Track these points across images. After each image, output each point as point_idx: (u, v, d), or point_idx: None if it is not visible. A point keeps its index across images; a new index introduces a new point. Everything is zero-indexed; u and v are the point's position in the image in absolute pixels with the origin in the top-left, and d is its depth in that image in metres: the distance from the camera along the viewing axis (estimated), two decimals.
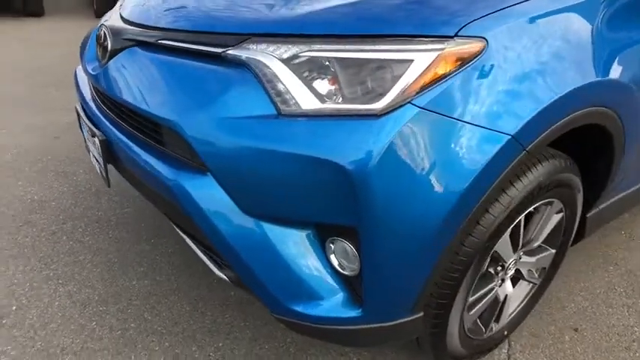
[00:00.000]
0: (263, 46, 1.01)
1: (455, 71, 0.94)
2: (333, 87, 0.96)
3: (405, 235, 0.97)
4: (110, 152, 1.28)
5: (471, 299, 1.28)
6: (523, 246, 1.37)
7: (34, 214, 2.05)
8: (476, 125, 0.95)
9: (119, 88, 1.20)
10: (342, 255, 1.03)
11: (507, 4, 1.00)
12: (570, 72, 1.04)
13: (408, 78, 0.92)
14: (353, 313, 1.05)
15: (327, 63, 0.96)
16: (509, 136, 0.98)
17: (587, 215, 1.58)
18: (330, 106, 0.95)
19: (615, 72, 1.17)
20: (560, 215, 1.42)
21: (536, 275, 1.56)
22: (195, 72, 1.08)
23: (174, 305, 1.59)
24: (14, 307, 1.54)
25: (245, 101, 1.00)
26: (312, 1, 1.05)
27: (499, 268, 1.35)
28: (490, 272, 1.36)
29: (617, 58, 1.18)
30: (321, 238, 1.04)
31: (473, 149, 0.96)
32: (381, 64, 0.93)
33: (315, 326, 1.07)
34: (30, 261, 1.76)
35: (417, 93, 0.92)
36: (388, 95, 0.92)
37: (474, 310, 1.33)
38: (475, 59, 0.95)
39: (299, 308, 1.06)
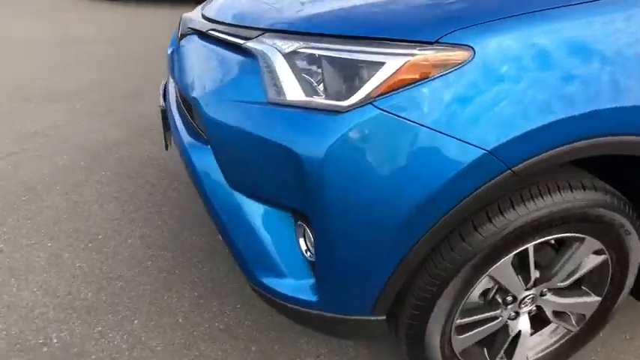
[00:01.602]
0: (275, 40, 1.10)
1: (430, 77, 0.91)
2: (319, 82, 1.01)
3: (355, 231, 0.98)
4: (166, 121, 1.52)
5: (460, 321, 1.20)
6: (541, 281, 1.23)
7: (146, 168, 2.48)
8: (445, 134, 0.91)
9: (175, 67, 1.42)
10: (308, 239, 1.09)
11: (508, 14, 0.92)
12: (573, 96, 0.92)
13: (377, 80, 0.93)
14: (311, 297, 1.10)
15: (318, 60, 1.01)
16: (485, 151, 0.91)
17: None
18: (307, 99, 1.00)
19: None
20: (601, 258, 1.23)
21: (573, 321, 1.37)
22: (224, 59, 1.23)
23: (216, 264, 1.80)
24: (100, 236, 1.92)
25: (248, 87, 1.11)
26: (322, 3, 1.11)
27: (509, 299, 1.24)
28: (497, 300, 1.26)
29: None
30: (295, 220, 1.11)
31: (439, 158, 0.92)
32: (358, 65, 0.96)
33: (279, 302, 1.15)
34: (126, 204, 2.15)
35: (381, 95, 0.92)
36: (356, 95, 0.94)
37: (467, 334, 1.25)
38: (456, 67, 0.91)
39: (267, 282, 1.14)
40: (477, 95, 0.91)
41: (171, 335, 1.51)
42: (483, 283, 1.25)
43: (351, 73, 0.96)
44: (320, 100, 0.99)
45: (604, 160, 1.12)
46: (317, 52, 1.01)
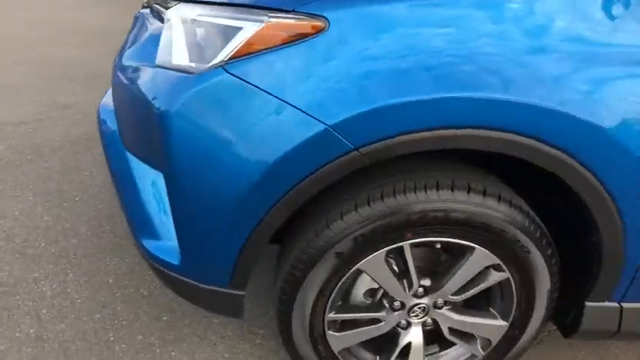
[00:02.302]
0: (183, 8, 1.15)
1: (281, 45, 0.91)
2: (201, 47, 1.04)
3: (201, 195, 0.99)
4: None
5: (335, 315, 1.15)
6: (433, 290, 1.14)
7: None
8: (289, 104, 0.90)
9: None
10: None
11: None
12: (424, 79, 0.86)
13: (233, 44, 0.94)
14: (174, 260, 1.11)
15: (206, 26, 1.05)
16: (326, 126, 0.89)
17: (586, 303, 1.19)
18: (189, 64, 1.04)
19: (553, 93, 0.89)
20: (500, 275, 1.12)
21: (478, 345, 1.25)
22: (149, 28, 1.31)
23: None
24: (77, 199, 2.07)
25: (151, 52, 1.17)
26: None
27: (397, 304, 1.16)
28: (383, 302, 1.19)
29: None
30: None
31: (279, 127, 0.91)
32: (224, 29, 0.98)
33: (150, 262, 1.17)
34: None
35: (234, 59, 0.93)
36: (217, 58, 0.96)
37: (347, 333, 1.19)
38: (309, 37, 0.90)
39: (145, 243, 1.17)
40: (325, 67, 0.90)
41: (95, 292, 1.58)
42: (367, 282, 1.19)
43: (219, 38, 0.98)
44: (194, 64, 1.02)
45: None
46: (206, 19, 1.05)
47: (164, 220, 1.13)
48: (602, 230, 1.07)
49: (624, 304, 1.22)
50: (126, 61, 1.19)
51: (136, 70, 1.11)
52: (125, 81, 1.13)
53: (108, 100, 1.36)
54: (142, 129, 1.06)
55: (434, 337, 1.31)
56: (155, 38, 1.20)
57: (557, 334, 1.55)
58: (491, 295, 1.22)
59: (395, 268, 1.16)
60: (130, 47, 1.31)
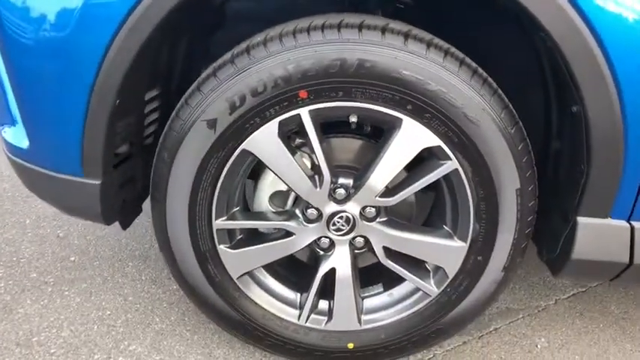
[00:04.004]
0: None
1: None
2: None
3: (27, 39, 0.77)
4: None
5: (224, 222, 0.87)
6: (356, 189, 0.84)
7: None
8: None
9: None
10: None
11: None
12: None
13: None
14: (23, 144, 0.88)
15: None
16: None
17: (578, 219, 0.86)
18: None
19: None
20: (447, 165, 0.81)
21: (432, 280, 0.93)
22: None
23: None
24: None
25: None
26: None
27: (312, 212, 0.87)
28: (294, 211, 0.90)
29: None
30: None
31: None
32: None
33: (7, 155, 0.95)
34: None
35: None
36: None
37: (245, 249, 0.90)
38: None
39: (4, 133, 0.96)
40: None
41: (4, 232, 1.38)
42: (272, 181, 0.91)
43: None
44: None
45: None
46: None
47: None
48: (584, 94, 0.75)
49: (636, 224, 0.87)
50: None
51: None
52: None
53: None
54: None
55: (377, 274, 1.00)
56: None
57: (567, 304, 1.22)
58: (444, 204, 0.90)
59: (307, 163, 0.88)
60: None
